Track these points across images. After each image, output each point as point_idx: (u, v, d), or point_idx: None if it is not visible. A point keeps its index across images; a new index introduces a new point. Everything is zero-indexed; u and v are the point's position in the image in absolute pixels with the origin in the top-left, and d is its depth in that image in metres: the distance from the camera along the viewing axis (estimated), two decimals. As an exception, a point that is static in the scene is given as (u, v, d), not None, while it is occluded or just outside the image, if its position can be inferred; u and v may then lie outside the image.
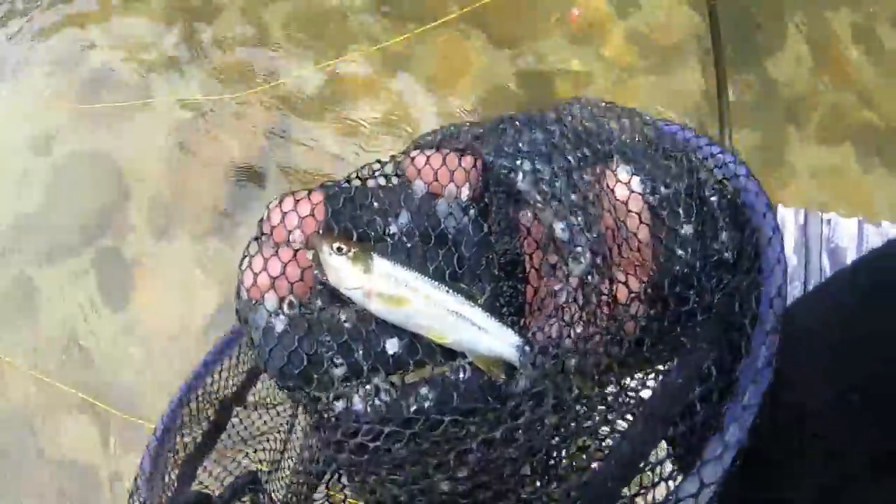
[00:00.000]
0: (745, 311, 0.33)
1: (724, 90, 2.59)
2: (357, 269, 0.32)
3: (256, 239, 0.34)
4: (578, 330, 0.32)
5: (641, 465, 0.31)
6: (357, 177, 0.37)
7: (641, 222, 0.35)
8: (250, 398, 0.62)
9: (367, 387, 0.32)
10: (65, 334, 2.09)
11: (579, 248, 0.32)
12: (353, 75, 2.85)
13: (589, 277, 0.32)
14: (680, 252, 0.34)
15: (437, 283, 0.33)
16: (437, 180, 0.36)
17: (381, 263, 0.33)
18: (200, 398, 0.58)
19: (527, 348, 0.32)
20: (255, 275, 0.32)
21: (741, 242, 0.36)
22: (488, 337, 0.33)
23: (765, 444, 0.30)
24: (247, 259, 0.33)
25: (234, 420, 0.60)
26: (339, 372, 0.32)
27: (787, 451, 0.34)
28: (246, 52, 2.95)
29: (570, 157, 0.35)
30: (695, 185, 0.36)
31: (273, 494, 0.55)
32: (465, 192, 0.36)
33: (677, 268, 0.35)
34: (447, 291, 0.33)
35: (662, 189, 0.35)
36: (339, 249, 0.32)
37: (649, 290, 0.35)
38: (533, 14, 2.96)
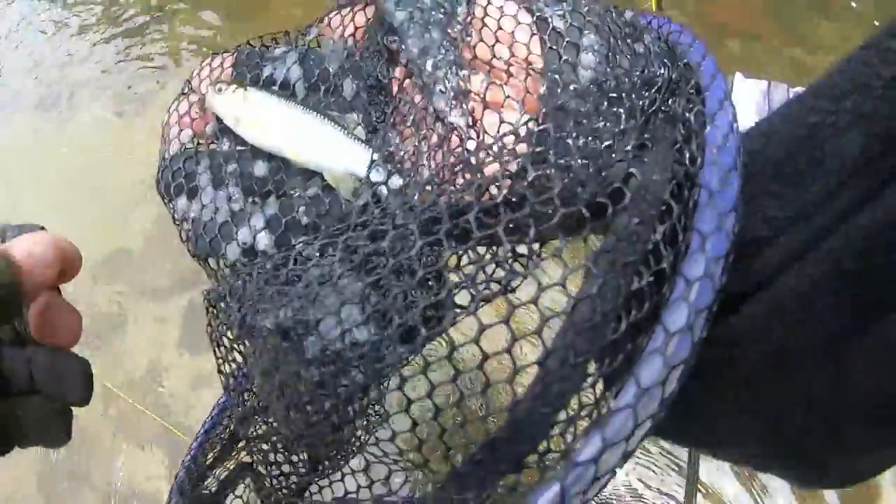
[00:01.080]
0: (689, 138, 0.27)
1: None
2: (232, 99, 0.36)
3: (183, 91, 0.40)
4: (425, 148, 0.32)
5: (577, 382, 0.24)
6: (273, 39, 0.40)
7: (532, 33, 0.32)
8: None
9: (221, 192, 0.35)
10: (145, 366, 2.02)
11: (434, 64, 0.32)
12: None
13: (444, 103, 0.31)
14: (585, 61, 0.31)
15: (302, 108, 0.36)
16: (328, 25, 0.38)
17: (253, 94, 0.36)
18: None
19: (376, 162, 0.33)
20: (170, 115, 0.39)
21: (680, 73, 0.31)
22: (341, 154, 0.34)
23: None
24: (172, 104, 0.39)
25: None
26: (204, 181, 0.36)
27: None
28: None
29: None
30: (603, 12, 0.32)
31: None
32: (349, 31, 0.37)
33: (583, 79, 0.31)
34: (306, 113, 0.36)
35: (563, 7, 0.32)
36: (219, 87, 0.36)
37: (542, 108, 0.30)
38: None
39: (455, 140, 0.31)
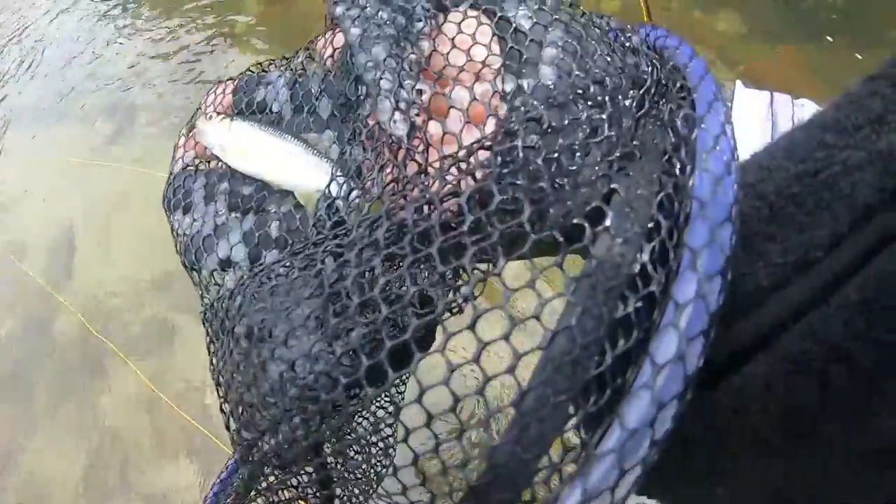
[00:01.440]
0: (678, 140, 0.25)
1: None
2: (218, 129, 0.39)
3: (193, 115, 0.42)
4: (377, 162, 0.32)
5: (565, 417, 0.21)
6: (270, 63, 0.43)
7: (492, 33, 0.30)
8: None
9: (210, 208, 0.38)
10: (196, 378, 2.03)
11: (381, 91, 0.31)
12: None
13: (393, 117, 0.31)
14: (547, 56, 0.29)
15: (279, 134, 0.38)
16: (314, 48, 0.40)
17: (238, 125, 0.39)
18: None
19: (337, 178, 0.34)
20: (179, 137, 0.43)
21: (667, 75, 0.29)
22: (310, 173, 0.36)
23: None
24: (183, 128, 0.42)
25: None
26: (198, 198, 0.39)
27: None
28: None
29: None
30: (573, 16, 0.31)
31: None
32: (328, 53, 0.38)
33: (549, 82, 0.29)
34: (281, 138, 0.38)
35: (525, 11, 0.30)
36: (209, 117, 0.40)
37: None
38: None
39: (402, 153, 0.30)
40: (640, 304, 0.22)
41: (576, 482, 0.19)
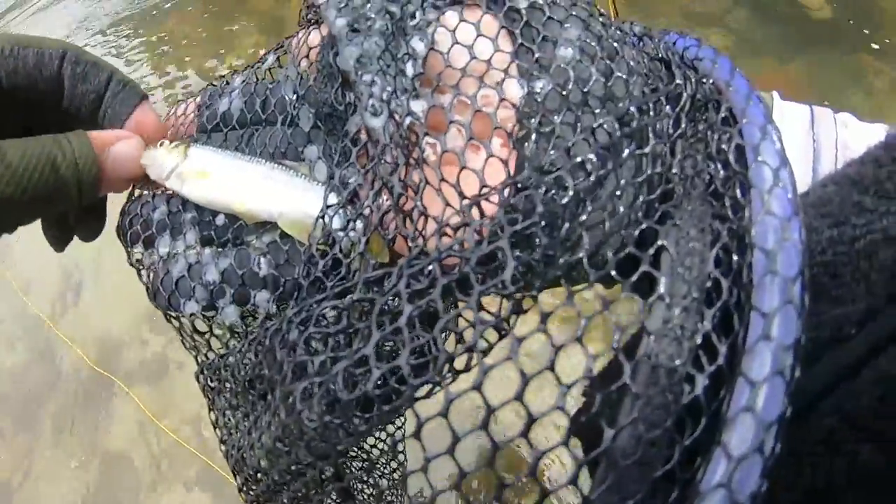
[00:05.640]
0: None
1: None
2: (173, 156, 0.33)
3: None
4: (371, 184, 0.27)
5: None
6: (234, 71, 0.37)
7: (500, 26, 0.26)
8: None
9: (179, 241, 0.33)
10: (192, 411, 2.01)
11: (374, 95, 0.26)
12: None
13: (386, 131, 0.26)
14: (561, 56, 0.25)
15: (250, 157, 0.33)
16: (287, 51, 0.35)
17: (197, 149, 0.33)
18: None
19: (333, 206, 0.29)
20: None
21: (704, 93, 0.26)
22: (295, 197, 0.31)
23: None
24: None
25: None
26: (160, 228, 0.33)
27: None
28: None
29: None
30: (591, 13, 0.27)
31: None
32: (303, 53, 0.33)
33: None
34: (255, 162, 0.32)
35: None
36: (160, 144, 0.33)
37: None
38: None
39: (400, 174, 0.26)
40: (707, 381, 0.20)
41: None
